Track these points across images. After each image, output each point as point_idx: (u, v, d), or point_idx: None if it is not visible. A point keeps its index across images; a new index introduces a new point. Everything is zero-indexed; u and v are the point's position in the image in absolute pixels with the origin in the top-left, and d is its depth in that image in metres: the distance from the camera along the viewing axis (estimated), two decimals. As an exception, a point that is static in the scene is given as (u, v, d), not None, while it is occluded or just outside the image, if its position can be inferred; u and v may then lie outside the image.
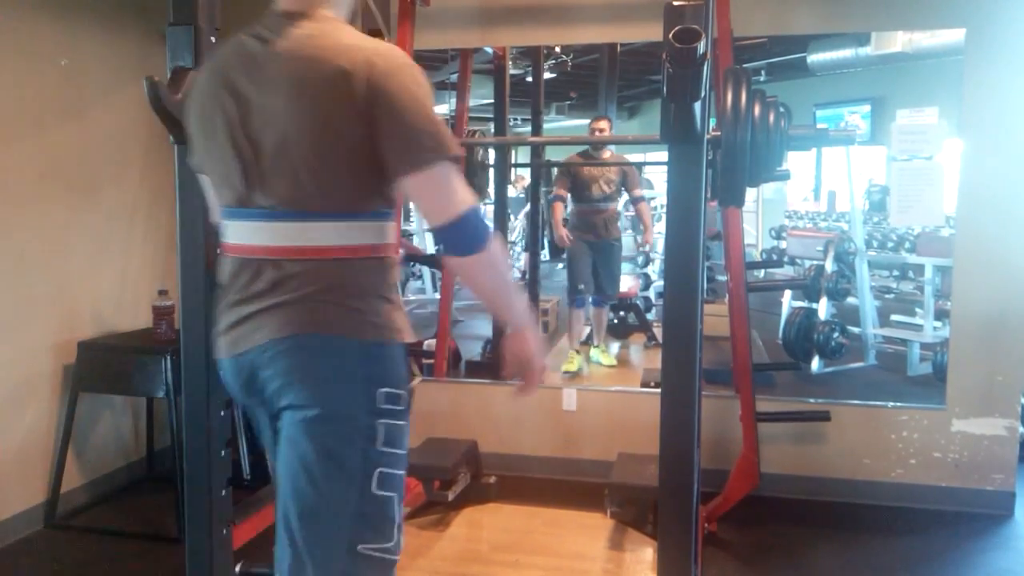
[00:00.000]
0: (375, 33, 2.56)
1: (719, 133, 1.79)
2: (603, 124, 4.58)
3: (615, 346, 5.26)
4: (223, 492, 1.89)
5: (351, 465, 1.32)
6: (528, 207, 6.27)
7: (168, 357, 2.92)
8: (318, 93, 1.26)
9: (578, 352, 4.69)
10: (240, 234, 1.38)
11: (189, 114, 1.46)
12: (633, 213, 5.43)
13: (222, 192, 1.41)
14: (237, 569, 2.07)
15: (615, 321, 5.48)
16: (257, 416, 1.48)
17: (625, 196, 4.90)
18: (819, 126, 1.93)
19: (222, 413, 1.88)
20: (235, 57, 1.36)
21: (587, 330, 4.97)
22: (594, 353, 4.89)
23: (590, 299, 4.84)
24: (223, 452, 1.89)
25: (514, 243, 7.99)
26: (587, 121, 5.41)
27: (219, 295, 1.44)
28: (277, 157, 1.30)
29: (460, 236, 1.30)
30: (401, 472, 1.38)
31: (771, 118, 1.78)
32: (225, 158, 1.35)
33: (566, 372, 4.46)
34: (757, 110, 1.76)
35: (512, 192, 7.21)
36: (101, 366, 3.04)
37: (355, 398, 1.32)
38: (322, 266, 1.32)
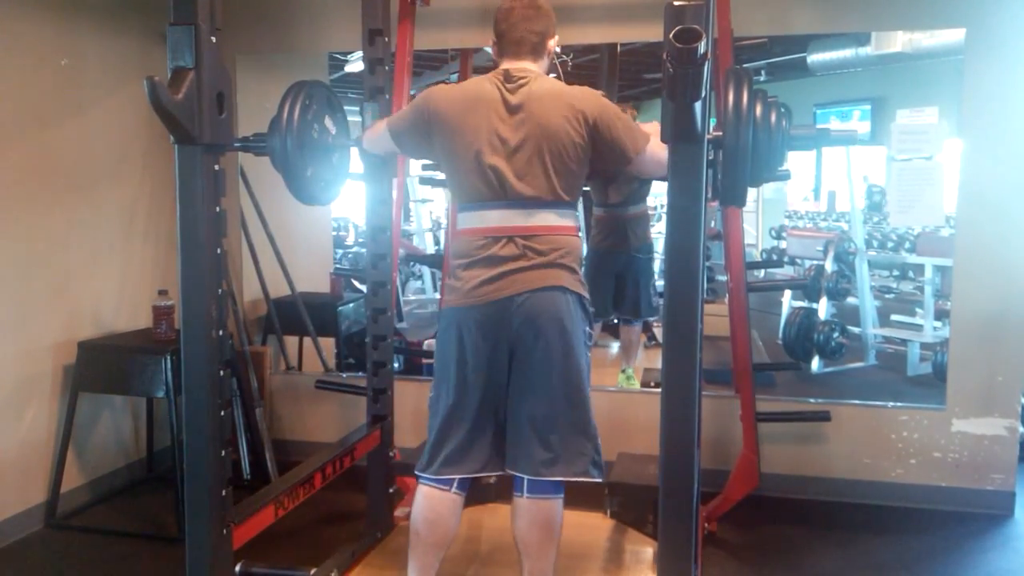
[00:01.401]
0: (375, 32, 2.56)
1: (719, 133, 1.79)
2: None
3: (613, 346, 4.98)
4: (223, 492, 1.89)
5: (578, 371, 1.96)
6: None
7: (168, 357, 2.92)
8: (555, 126, 1.91)
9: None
10: (491, 218, 1.96)
11: (440, 127, 1.99)
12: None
13: (468, 190, 1.98)
14: (237, 569, 2.07)
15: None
16: (490, 345, 1.96)
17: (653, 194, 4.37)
18: (820, 126, 1.93)
19: (222, 413, 1.88)
20: (489, 97, 1.96)
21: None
22: (620, 379, 4.35)
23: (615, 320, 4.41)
24: (223, 452, 1.89)
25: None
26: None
27: (457, 264, 2.01)
28: (529, 167, 1.92)
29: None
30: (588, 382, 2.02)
31: (773, 118, 1.78)
32: (480, 167, 1.94)
33: None
34: (759, 110, 1.76)
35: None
36: (101, 366, 3.04)
37: (578, 333, 1.97)
38: (552, 239, 1.95)
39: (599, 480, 2.00)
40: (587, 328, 2.02)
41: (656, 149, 1.95)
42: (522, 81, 1.97)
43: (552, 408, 1.95)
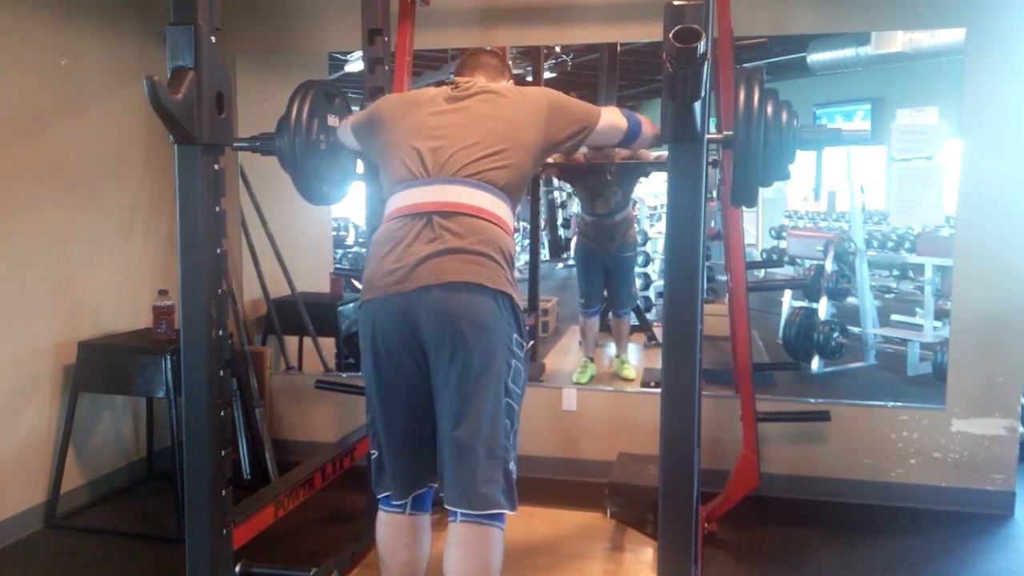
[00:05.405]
0: (375, 32, 2.56)
1: (729, 133, 1.78)
2: None
3: (632, 354, 4.94)
4: (223, 492, 1.89)
5: (495, 389, 1.71)
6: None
7: (168, 357, 2.92)
8: (505, 115, 1.85)
9: (592, 360, 4.47)
10: (413, 196, 1.78)
11: (382, 125, 1.95)
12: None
13: (395, 172, 1.84)
14: (237, 569, 2.07)
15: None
16: (399, 346, 1.74)
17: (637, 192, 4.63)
18: (832, 125, 1.93)
19: (222, 413, 1.88)
20: (431, 97, 1.92)
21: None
22: (616, 364, 4.60)
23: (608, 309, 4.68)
24: (223, 452, 1.89)
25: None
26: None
27: (372, 253, 1.80)
28: (464, 148, 1.79)
29: (631, 137, 2.02)
30: (518, 408, 1.78)
31: (784, 117, 1.78)
32: (409, 149, 1.82)
33: (577, 382, 4.22)
34: (770, 109, 1.76)
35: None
36: (101, 366, 3.04)
37: (499, 339, 1.71)
38: (475, 223, 1.74)
39: (508, 511, 1.74)
40: (515, 334, 1.76)
41: (609, 116, 1.98)
42: (468, 85, 1.94)
43: (464, 429, 1.71)
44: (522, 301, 1.88)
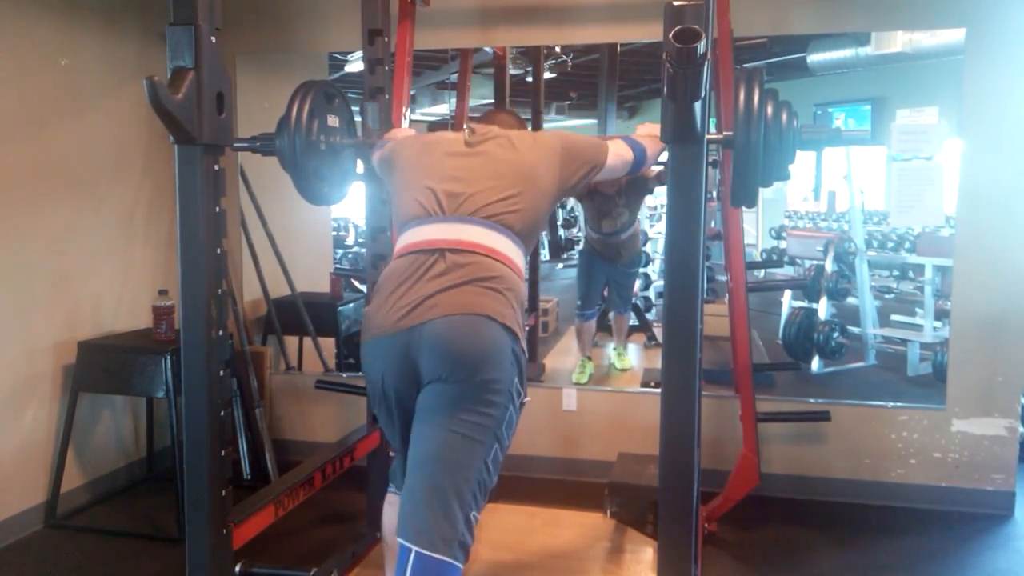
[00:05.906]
0: (375, 32, 2.56)
1: (721, 135, 1.78)
2: None
3: (632, 354, 5.05)
4: (223, 492, 1.89)
5: (487, 430, 1.63)
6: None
7: (168, 357, 2.92)
8: (521, 160, 1.85)
9: (590, 359, 4.52)
10: (426, 232, 1.76)
11: (398, 164, 1.95)
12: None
13: (407, 209, 1.83)
14: (237, 569, 2.07)
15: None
16: (398, 383, 1.69)
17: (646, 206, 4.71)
18: (832, 126, 1.92)
19: (222, 413, 1.88)
20: (448, 139, 1.94)
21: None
22: (613, 355, 4.84)
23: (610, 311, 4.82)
24: (223, 452, 1.89)
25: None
26: (587, 121, 5.29)
27: (378, 288, 1.76)
28: (479, 191, 1.78)
29: (639, 164, 2.03)
30: (501, 460, 1.70)
31: (784, 118, 1.78)
32: (423, 189, 1.81)
33: (576, 383, 4.25)
34: (770, 110, 1.76)
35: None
36: (101, 366, 3.04)
37: (498, 376, 1.64)
38: (487, 262, 1.71)
39: (460, 565, 1.60)
40: (516, 379, 1.68)
41: (615, 150, 1.99)
42: (486, 131, 1.94)
43: (442, 464, 1.62)
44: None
